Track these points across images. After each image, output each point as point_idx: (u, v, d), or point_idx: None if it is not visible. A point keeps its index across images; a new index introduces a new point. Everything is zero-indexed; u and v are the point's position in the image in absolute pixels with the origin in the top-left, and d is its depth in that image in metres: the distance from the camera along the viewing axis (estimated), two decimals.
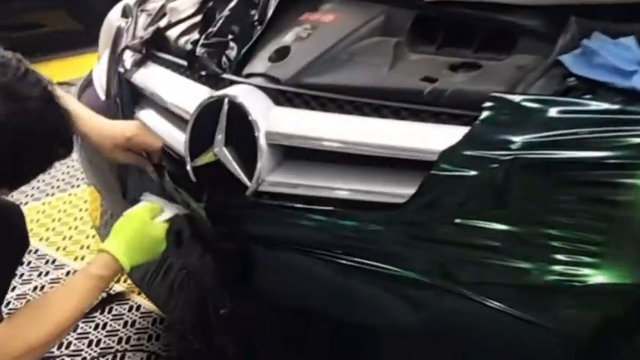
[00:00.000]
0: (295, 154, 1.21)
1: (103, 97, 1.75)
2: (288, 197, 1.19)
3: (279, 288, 1.25)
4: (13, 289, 2.08)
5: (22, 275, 2.16)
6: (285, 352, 1.31)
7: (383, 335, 1.15)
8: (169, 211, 1.34)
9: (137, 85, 1.52)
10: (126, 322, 1.93)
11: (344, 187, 1.14)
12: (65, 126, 1.15)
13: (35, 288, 2.11)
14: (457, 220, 1.03)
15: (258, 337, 1.35)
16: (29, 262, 2.23)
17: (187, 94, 1.38)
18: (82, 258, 2.26)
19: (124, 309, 1.99)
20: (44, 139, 1.11)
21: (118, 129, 1.39)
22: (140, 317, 1.95)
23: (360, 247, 1.12)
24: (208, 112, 1.27)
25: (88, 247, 2.32)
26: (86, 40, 3.54)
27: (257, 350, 1.36)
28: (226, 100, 1.23)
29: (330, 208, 1.14)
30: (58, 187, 2.79)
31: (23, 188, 2.82)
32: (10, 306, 1.99)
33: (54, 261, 2.25)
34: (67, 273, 2.18)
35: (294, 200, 1.18)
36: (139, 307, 1.99)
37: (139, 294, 2.05)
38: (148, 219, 1.31)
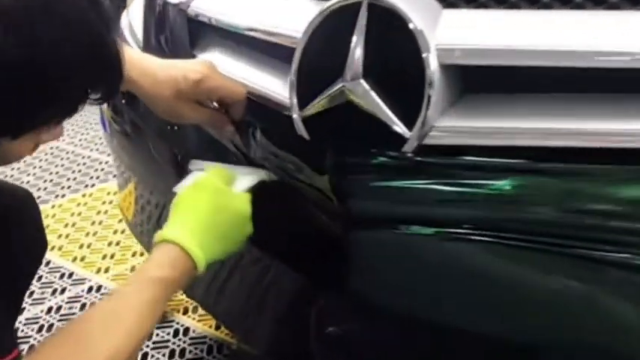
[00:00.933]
0: (483, 82, 0.78)
1: (137, 49, 1.31)
2: (476, 152, 0.74)
3: (443, 299, 0.80)
4: (22, 311, 1.64)
5: (31, 294, 1.68)
6: None
7: None
8: (249, 177, 0.89)
9: (197, 15, 1.06)
10: (172, 352, 1.46)
11: (582, 128, 0.69)
12: (106, 25, 0.70)
13: (50, 309, 1.64)
14: None
15: None
16: (40, 277, 1.76)
17: (283, 14, 0.94)
18: (106, 270, 1.80)
19: (167, 334, 1.52)
20: (72, 37, 0.66)
21: (181, 70, 0.92)
22: (190, 344, 1.48)
23: (613, 228, 0.68)
24: (329, 30, 0.82)
25: (112, 257, 1.86)
26: None
27: None
28: (365, 4, 0.79)
29: (560, 165, 0.70)
30: (69, 187, 2.33)
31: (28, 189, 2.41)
32: (20, 334, 1.54)
33: (71, 274, 1.78)
34: (89, 289, 1.72)
35: (487, 156, 0.74)
36: (187, 331, 1.53)
37: (184, 313, 1.60)
38: (224, 187, 0.87)
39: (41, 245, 1.02)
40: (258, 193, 0.90)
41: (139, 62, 0.92)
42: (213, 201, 0.85)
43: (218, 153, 0.99)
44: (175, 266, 0.81)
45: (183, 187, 0.90)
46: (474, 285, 0.75)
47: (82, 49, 0.70)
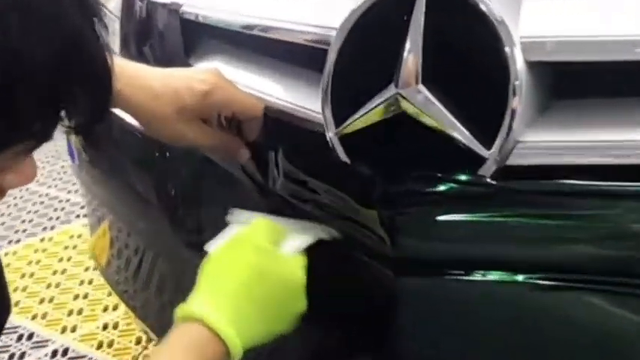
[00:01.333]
0: (580, 84, 0.62)
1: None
2: (576, 174, 0.58)
3: None
4: None
5: None
6: None
7: None
8: (304, 235, 0.69)
9: (192, 15, 0.87)
10: None
11: None
12: (90, 21, 0.54)
13: None
14: None
15: None
16: None
17: (298, 10, 0.75)
18: (73, 329, 1.58)
19: None
20: (43, 33, 0.49)
21: (183, 81, 0.73)
22: None
23: None
24: (373, 24, 0.65)
25: (79, 313, 1.63)
26: None
27: None
28: None
29: None
30: (25, 230, 2.10)
31: None
32: None
33: (31, 335, 1.56)
34: (54, 353, 1.49)
35: (591, 179, 0.58)
36: None
37: None
38: (270, 246, 0.67)
39: (4, 307, 0.82)
40: (315, 255, 0.69)
41: (129, 71, 0.72)
42: (254, 264, 0.66)
43: (224, 185, 0.81)
44: (203, 354, 0.61)
45: (217, 245, 0.69)
46: (584, 346, 0.59)
47: (55, 48, 0.52)
